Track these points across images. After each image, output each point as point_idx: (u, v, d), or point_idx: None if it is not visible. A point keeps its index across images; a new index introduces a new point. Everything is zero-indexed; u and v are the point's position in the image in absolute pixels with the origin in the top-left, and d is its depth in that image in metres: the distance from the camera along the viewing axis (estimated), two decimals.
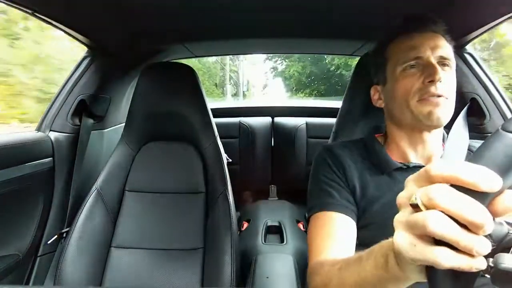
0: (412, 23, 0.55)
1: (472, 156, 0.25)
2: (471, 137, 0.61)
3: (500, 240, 0.25)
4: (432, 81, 0.51)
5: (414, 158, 0.58)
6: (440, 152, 0.58)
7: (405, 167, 0.56)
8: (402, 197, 0.25)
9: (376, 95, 0.63)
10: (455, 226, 0.20)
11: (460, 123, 0.62)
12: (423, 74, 0.52)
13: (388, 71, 0.58)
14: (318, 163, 0.62)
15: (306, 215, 0.59)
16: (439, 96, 0.51)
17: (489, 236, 0.25)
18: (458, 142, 0.58)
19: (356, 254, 0.36)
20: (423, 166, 0.55)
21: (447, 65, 0.54)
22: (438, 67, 0.51)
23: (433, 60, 0.52)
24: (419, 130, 0.56)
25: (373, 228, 0.53)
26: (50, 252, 0.97)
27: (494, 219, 0.26)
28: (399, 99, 0.55)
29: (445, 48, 0.54)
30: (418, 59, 0.53)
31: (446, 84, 0.52)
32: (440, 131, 0.58)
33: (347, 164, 0.59)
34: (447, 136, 0.59)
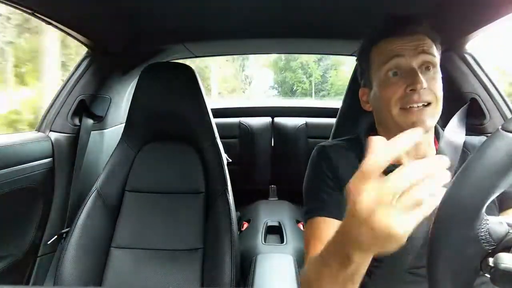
0: (393, 27, 0.54)
1: (473, 155, 0.25)
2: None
3: (500, 240, 0.25)
4: (414, 90, 0.50)
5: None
6: (432, 151, 0.58)
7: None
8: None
9: (364, 97, 0.63)
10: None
11: (455, 122, 0.62)
12: (405, 82, 0.51)
13: (372, 76, 0.57)
14: (311, 164, 0.63)
15: (306, 211, 0.60)
16: (422, 104, 0.50)
17: (489, 236, 0.25)
18: (453, 141, 0.58)
19: (318, 256, 0.41)
20: None
21: (431, 65, 0.53)
22: (420, 75, 0.50)
23: (415, 65, 0.51)
24: None
25: None
26: (50, 252, 0.98)
27: (493, 218, 0.26)
28: (383, 107, 0.55)
29: (428, 48, 0.52)
30: (399, 63, 0.52)
31: (430, 88, 0.51)
32: (431, 133, 0.58)
33: (340, 164, 0.59)
34: (442, 134, 0.60)
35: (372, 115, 0.64)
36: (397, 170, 0.27)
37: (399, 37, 0.53)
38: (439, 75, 0.54)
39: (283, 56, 7.88)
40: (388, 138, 0.58)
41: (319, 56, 7.90)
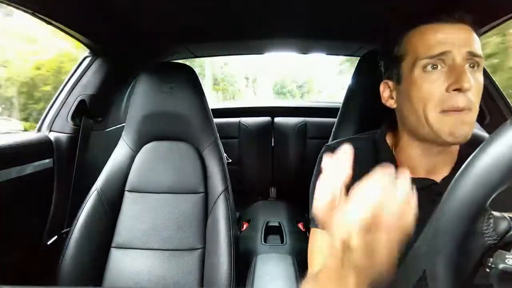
0: (439, 10, 0.46)
1: (479, 149, 0.25)
2: None
3: (503, 235, 0.25)
4: (459, 90, 0.42)
5: (425, 170, 0.51)
6: (452, 160, 0.51)
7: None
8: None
9: (386, 92, 0.54)
10: None
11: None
12: (448, 78, 0.43)
13: (404, 68, 0.48)
14: (318, 167, 0.59)
15: (309, 218, 0.57)
16: (464, 108, 0.43)
17: (492, 231, 0.25)
18: (472, 144, 0.54)
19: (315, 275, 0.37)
20: (433, 183, 0.49)
21: (477, 64, 0.45)
22: (467, 72, 0.42)
23: (462, 60, 0.43)
24: (437, 145, 0.48)
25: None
26: (50, 252, 0.98)
27: (496, 213, 0.26)
28: (416, 107, 0.46)
29: (475, 42, 0.44)
30: (443, 55, 0.43)
31: (474, 92, 0.43)
32: None
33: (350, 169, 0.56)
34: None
35: (374, 114, 0.60)
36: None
37: (444, 24, 0.45)
38: (482, 77, 0.46)
39: (278, 84, 12.85)
40: (411, 143, 0.52)
41: (299, 84, 12.98)
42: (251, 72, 12.82)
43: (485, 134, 0.54)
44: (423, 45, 0.45)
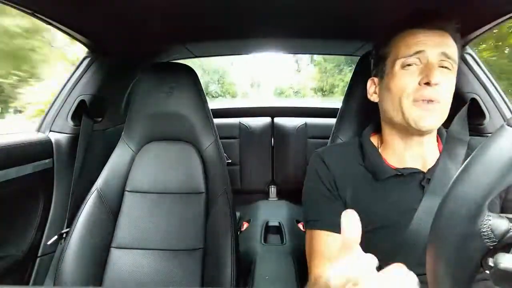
0: (419, 19, 0.53)
1: (477, 150, 0.25)
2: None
3: (502, 236, 0.25)
4: (428, 84, 0.49)
5: (410, 161, 0.56)
6: (436, 153, 0.57)
7: (400, 173, 0.54)
8: None
9: (372, 88, 0.61)
10: None
11: (458, 124, 0.62)
12: (420, 74, 0.50)
13: (387, 65, 0.56)
14: (309, 173, 0.62)
15: (303, 225, 0.59)
16: (431, 101, 0.50)
17: (491, 232, 0.25)
18: (456, 143, 0.57)
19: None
20: (418, 172, 0.54)
21: (448, 67, 0.51)
22: (437, 70, 0.49)
23: (434, 59, 0.50)
24: (411, 133, 0.54)
25: (365, 237, 0.53)
26: (50, 252, 0.98)
27: (495, 215, 0.26)
28: (393, 97, 0.53)
29: (449, 47, 0.51)
30: (419, 54, 0.51)
31: (443, 87, 0.50)
32: (433, 133, 0.57)
33: (338, 173, 0.58)
34: (445, 135, 0.59)
35: (374, 114, 0.63)
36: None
37: (424, 30, 0.52)
38: (453, 78, 0.53)
39: (278, 89, 16.00)
40: (393, 134, 0.57)
41: (295, 90, 15.78)
42: (256, 78, 17.00)
43: (464, 138, 0.59)
44: (404, 45, 0.53)
